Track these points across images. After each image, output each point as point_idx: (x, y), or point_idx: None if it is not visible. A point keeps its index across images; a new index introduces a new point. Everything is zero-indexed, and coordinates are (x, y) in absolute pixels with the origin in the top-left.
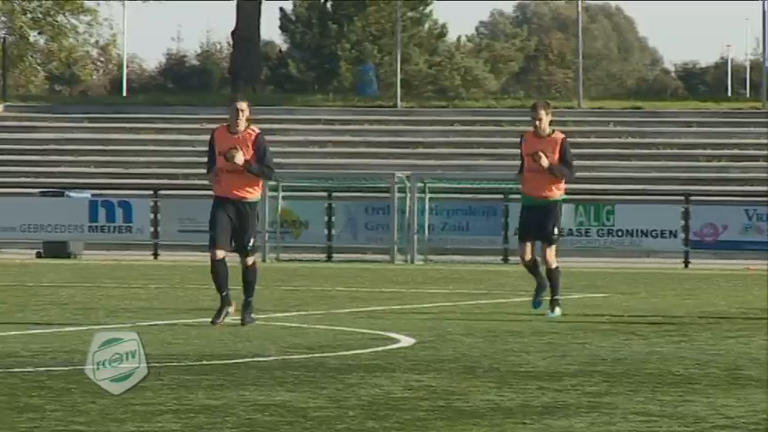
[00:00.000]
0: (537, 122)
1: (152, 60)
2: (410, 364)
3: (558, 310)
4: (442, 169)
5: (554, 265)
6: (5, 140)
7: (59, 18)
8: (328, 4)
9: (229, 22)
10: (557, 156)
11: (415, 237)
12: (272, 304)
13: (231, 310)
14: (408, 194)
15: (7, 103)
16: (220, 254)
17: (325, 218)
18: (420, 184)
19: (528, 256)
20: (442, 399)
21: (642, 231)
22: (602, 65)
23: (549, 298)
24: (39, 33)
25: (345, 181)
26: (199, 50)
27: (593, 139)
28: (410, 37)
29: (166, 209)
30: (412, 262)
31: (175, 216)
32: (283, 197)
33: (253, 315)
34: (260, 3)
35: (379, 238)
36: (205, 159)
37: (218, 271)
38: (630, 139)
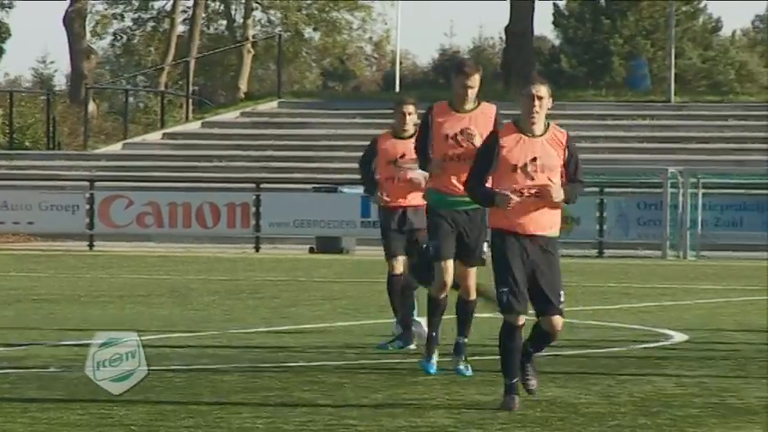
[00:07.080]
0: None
1: (425, 56)
2: (682, 360)
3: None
4: (715, 165)
5: None
6: (279, 136)
7: (334, 14)
8: (601, 0)
9: (502, 17)
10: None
11: (688, 232)
12: None
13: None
14: (681, 190)
15: (281, 100)
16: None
17: (597, 213)
18: (693, 180)
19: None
20: (715, 395)
21: None
22: None
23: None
24: (313, 29)
25: (617, 176)
26: (471, 46)
27: None
28: (684, 31)
29: None
30: (684, 258)
31: None
32: None
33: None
34: None
35: (650, 234)
36: None
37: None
38: None
